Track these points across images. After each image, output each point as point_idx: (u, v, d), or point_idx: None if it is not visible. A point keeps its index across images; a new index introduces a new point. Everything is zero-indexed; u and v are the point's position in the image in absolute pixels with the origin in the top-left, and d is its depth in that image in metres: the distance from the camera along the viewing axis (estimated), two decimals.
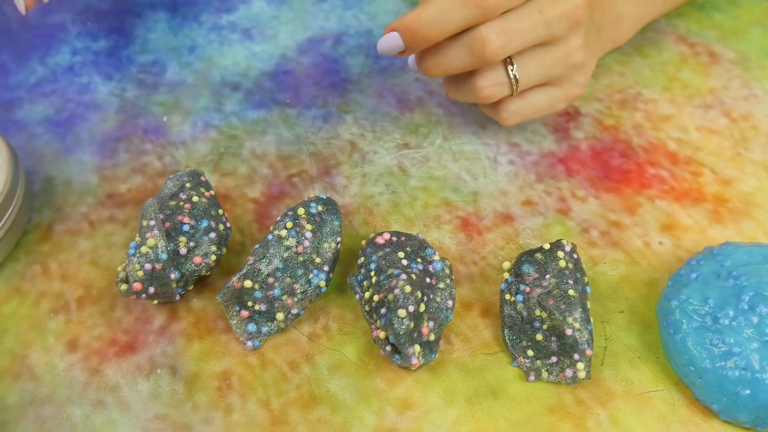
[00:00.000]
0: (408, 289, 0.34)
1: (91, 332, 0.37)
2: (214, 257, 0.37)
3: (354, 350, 0.36)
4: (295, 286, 0.36)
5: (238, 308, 0.36)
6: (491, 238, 0.41)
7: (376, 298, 0.35)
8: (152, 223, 0.36)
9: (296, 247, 0.37)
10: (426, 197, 0.43)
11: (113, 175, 0.43)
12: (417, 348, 0.34)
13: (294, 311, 0.36)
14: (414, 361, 0.34)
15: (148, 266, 0.35)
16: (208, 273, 0.38)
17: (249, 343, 0.36)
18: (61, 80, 0.48)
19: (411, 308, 0.34)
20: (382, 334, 0.35)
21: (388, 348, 0.35)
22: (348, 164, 0.44)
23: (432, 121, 0.47)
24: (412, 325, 0.34)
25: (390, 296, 0.34)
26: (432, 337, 0.35)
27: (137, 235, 0.36)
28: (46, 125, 0.46)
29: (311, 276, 0.36)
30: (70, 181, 0.43)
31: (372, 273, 0.36)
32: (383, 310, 0.34)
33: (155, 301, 0.36)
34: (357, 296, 0.36)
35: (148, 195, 0.42)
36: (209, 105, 0.47)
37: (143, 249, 0.35)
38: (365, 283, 0.36)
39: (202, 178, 0.40)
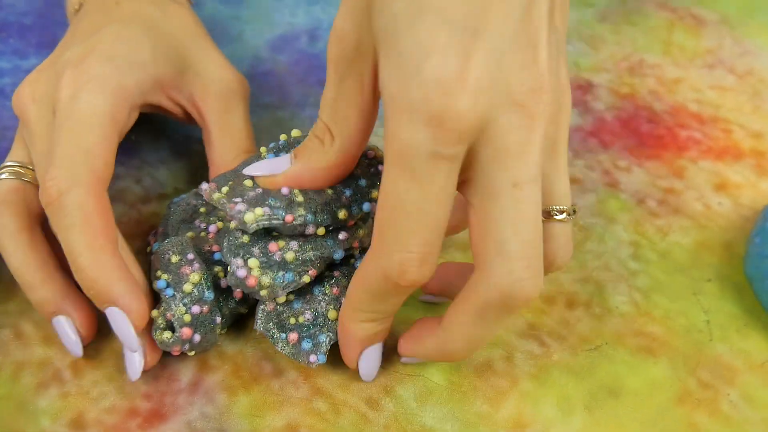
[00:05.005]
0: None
1: (99, 404, 0.28)
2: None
3: (440, 372, 0.30)
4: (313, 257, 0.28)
5: (284, 335, 0.28)
6: None
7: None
8: (190, 256, 0.28)
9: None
10: None
11: None
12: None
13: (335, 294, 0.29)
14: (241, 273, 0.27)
15: (196, 309, 0.27)
16: (246, 310, 0.30)
17: (312, 358, 0.28)
18: None
19: None
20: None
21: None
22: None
23: None
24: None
25: None
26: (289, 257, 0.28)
27: (159, 272, 0.28)
28: None
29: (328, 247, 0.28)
30: None
31: None
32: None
33: (192, 353, 0.28)
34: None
35: (133, 226, 0.34)
36: None
37: (186, 287, 0.27)
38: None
39: None
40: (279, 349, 0.28)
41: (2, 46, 0.42)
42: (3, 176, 0.29)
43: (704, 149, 0.41)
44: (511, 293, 0.23)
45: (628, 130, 0.42)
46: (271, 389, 0.29)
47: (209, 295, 0.28)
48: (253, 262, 0.27)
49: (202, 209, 0.32)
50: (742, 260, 0.35)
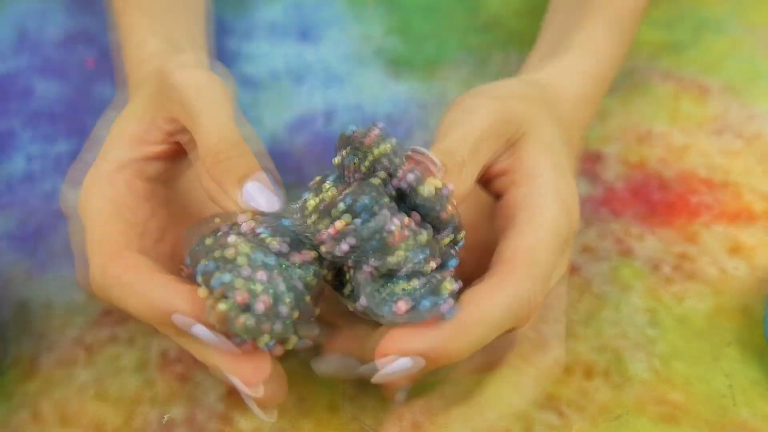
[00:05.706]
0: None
1: None
2: (314, 253, 0.26)
3: None
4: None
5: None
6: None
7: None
8: (225, 228, 0.26)
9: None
10: None
11: None
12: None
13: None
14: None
15: (261, 275, 0.24)
16: (318, 281, 0.26)
17: (445, 308, 0.25)
18: (18, 191, 0.40)
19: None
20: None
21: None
22: None
23: None
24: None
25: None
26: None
27: (201, 261, 0.25)
28: (9, 242, 0.37)
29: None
30: (50, 302, 0.34)
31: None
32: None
33: (296, 339, 0.25)
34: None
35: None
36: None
37: (239, 260, 0.24)
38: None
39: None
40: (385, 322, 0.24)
41: (33, 132, 0.44)
42: None
43: (716, 214, 0.41)
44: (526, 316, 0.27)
45: (639, 198, 0.42)
46: None
47: (269, 260, 0.24)
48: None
49: (216, 219, 0.28)
50: (761, 324, 0.34)
